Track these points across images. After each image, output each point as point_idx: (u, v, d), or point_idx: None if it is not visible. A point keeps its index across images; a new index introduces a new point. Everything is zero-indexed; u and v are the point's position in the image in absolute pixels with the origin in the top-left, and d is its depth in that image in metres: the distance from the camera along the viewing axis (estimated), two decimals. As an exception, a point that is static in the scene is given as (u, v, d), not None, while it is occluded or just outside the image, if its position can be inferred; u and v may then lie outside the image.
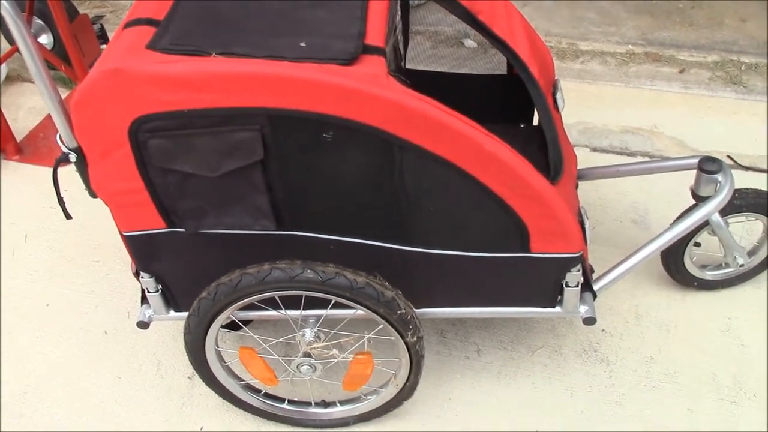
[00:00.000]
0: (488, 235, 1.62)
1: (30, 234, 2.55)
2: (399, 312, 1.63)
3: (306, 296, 1.64)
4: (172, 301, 1.79)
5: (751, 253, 2.09)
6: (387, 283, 1.63)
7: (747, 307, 2.13)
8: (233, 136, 1.44)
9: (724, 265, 2.11)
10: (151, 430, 1.96)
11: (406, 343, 1.68)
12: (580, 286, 1.71)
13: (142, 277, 1.73)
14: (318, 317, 1.73)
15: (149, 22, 1.48)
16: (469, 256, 1.65)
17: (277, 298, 1.64)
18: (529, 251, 1.63)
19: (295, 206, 1.57)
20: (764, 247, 2.08)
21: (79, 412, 2.01)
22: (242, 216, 1.57)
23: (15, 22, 1.38)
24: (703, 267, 2.12)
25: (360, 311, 1.65)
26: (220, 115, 1.41)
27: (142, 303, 1.82)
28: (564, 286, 1.71)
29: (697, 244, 2.04)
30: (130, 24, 1.49)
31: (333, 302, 1.64)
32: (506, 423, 1.91)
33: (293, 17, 1.51)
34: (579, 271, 1.68)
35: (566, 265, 1.66)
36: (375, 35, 1.47)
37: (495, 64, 2.12)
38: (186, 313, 1.76)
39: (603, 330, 2.10)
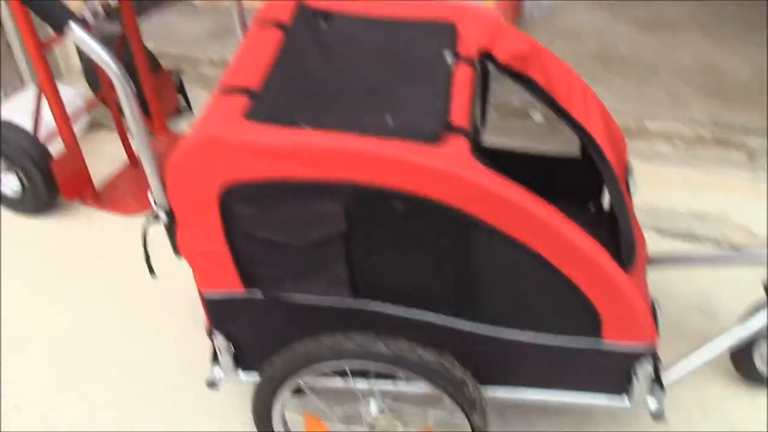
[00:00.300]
0: (560, 319, 1.62)
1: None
2: (467, 393, 1.63)
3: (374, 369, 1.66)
4: (242, 361, 1.82)
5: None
6: (457, 362, 1.64)
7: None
8: (318, 207, 1.48)
9: (796, 362, 2.07)
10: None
11: (472, 425, 1.68)
12: (649, 378, 1.69)
13: (214, 336, 1.76)
14: (385, 391, 1.74)
15: (245, 91, 1.54)
16: (539, 339, 1.65)
17: (347, 369, 1.66)
18: (600, 338, 1.62)
19: (372, 276, 1.59)
20: (839, 346, 2.03)
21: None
22: (321, 284, 1.60)
23: (125, 89, 1.46)
24: (776, 365, 2.08)
25: (426, 389, 1.65)
26: (306, 187, 1.45)
27: (212, 362, 1.85)
28: (633, 377, 1.69)
29: (768, 340, 2.00)
30: (226, 90, 1.55)
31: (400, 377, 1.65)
32: None
33: (381, 89, 1.56)
34: (650, 362, 1.66)
35: (637, 356, 1.65)
36: (459, 113, 1.51)
37: (564, 139, 2.13)
38: (253, 374, 1.79)
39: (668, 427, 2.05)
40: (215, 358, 1.82)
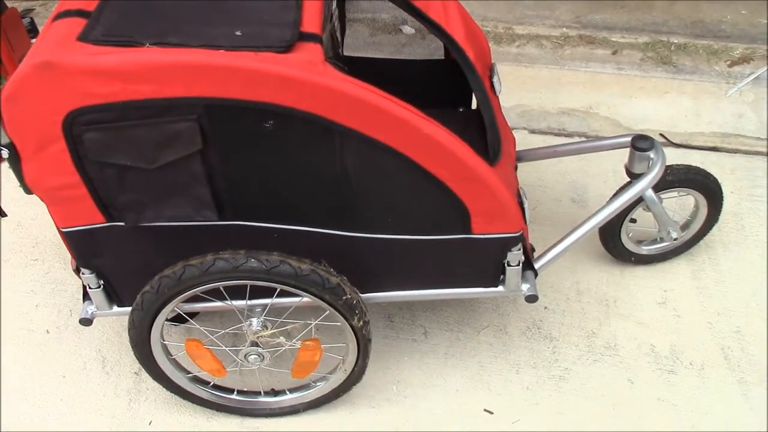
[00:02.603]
0: (430, 218, 1.64)
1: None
2: (344, 297, 1.64)
3: (251, 285, 1.64)
4: (114, 296, 1.77)
5: (684, 227, 2.16)
6: (332, 270, 1.65)
7: (681, 280, 2.21)
8: (170, 127, 1.42)
9: (658, 239, 2.18)
10: (99, 428, 1.94)
11: (353, 328, 1.70)
12: (521, 265, 1.75)
13: (82, 274, 1.70)
14: (264, 306, 1.73)
15: (79, 13, 1.46)
16: (411, 239, 1.68)
17: (222, 289, 1.64)
18: (470, 232, 1.66)
19: (237, 196, 1.56)
20: (695, 221, 2.15)
21: (24, 413, 1.97)
22: (183, 207, 1.56)
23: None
24: (639, 242, 2.19)
25: (306, 298, 1.66)
26: (156, 106, 1.39)
27: (84, 300, 1.80)
28: (506, 265, 1.74)
29: (633, 221, 2.09)
30: (59, 16, 1.46)
31: (278, 290, 1.65)
32: (455, 402, 1.95)
33: (227, 6, 1.50)
34: (520, 250, 1.71)
35: (507, 244, 1.69)
36: (311, 22, 1.47)
37: (433, 49, 2.14)
38: (130, 308, 1.75)
39: (546, 307, 2.15)
40: (86, 295, 1.76)
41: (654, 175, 1.90)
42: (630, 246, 2.16)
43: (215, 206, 1.55)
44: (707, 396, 1.93)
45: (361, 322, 1.69)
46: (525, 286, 1.80)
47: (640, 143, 1.92)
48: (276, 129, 1.45)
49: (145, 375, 1.95)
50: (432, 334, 2.10)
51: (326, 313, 1.70)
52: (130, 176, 1.50)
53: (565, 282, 2.21)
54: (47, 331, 2.17)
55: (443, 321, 2.13)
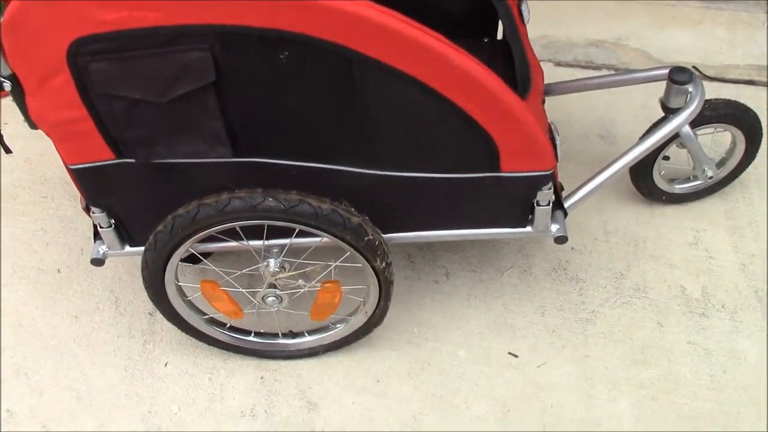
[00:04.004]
0: (456, 155, 1.55)
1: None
2: (366, 238, 1.57)
3: (269, 226, 1.57)
4: (126, 235, 1.70)
5: (719, 164, 2.06)
6: (353, 209, 1.57)
7: (714, 220, 2.12)
8: (181, 57, 1.33)
9: (692, 177, 2.08)
10: (116, 370, 1.90)
11: (375, 270, 1.63)
12: (551, 204, 1.67)
13: (93, 213, 1.63)
14: (282, 247, 1.66)
15: None
16: (435, 178, 1.59)
17: (239, 229, 1.57)
18: (498, 170, 1.57)
19: (253, 131, 1.48)
20: (732, 158, 2.05)
21: (36, 354, 1.94)
22: (196, 143, 1.48)
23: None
24: (672, 181, 2.09)
25: (326, 239, 1.59)
26: (165, 35, 1.29)
27: (95, 239, 1.73)
28: (535, 205, 1.66)
29: (666, 158, 2.00)
30: None
31: (297, 231, 1.57)
32: (478, 345, 1.89)
33: None
34: (550, 189, 1.63)
35: (537, 183, 1.61)
36: None
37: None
38: (142, 248, 1.69)
39: (572, 248, 2.07)
40: (97, 235, 1.70)
41: (692, 110, 1.80)
42: (662, 184, 2.07)
43: (230, 142, 1.47)
44: (740, 340, 1.86)
45: (383, 264, 1.62)
46: (554, 227, 1.72)
47: (678, 76, 1.80)
48: (293, 59, 1.35)
49: (159, 316, 1.90)
50: (454, 276, 2.04)
51: (347, 255, 1.63)
52: (139, 110, 1.41)
53: (593, 222, 2.13)
54: (58, 271, 2.11)
55: (465, 262, 2.06)
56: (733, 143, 2.03)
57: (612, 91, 2.46)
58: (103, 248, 1.72)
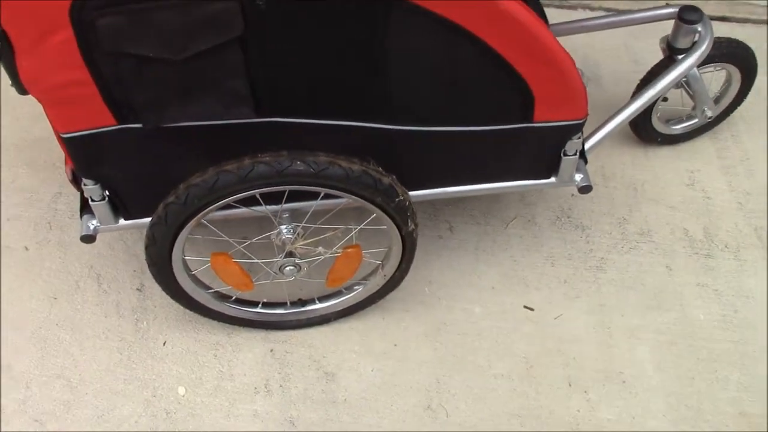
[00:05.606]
0: (488, 106, 1.46)
1: None
2: (397, 199, 1.47)
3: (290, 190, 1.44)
4: (122, 208, 1.54)
5: (715, 102, 2.05)
6: (380, 169, 1.46)
7: (707, 160, 2.12)
8: (206, 7, 1.17)
9: (685, 118, 2.07)
10: (110, 353, 1.74)
11: (401, 232, 1.53)
12: (577, 154, 1.60)
13: (84, 184, 1.46)
14: (298, 211, 1.54)
15: None
16: (464, 131, 1.49)
17: (258, 196, 1.43)
18: (531, 121, 1.49)
19: (277, 88, 1.34)
20: (725, 97, 2.05)
21: (15, 342, 1.75)
22: (212, 104, 1.33)
23: None
24: (668, 121, 2.07)
25: (347, 200, 1.47)
26: (186, -17, 1.14)
27: (81, 213, 1.56)
28: (562, 155, 1.59)
29: (665, 99, 1.96)
30: None
31: (322, 194, 1.45)
32: (492, 300, 1.84)
33: None
34: (580, 138, 1.56)
35: (569, 132, 1.54)
36: None
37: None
38: (137, 221, 1.54)
39: (572, 195, 2.03)
40: (85, 208, 1.52)
41: (704, 50, 1.76)
42: (659, 126, 2.04)
43: (253, 100, 1.32)
44: (747, 279, 1.88)
45: (412, 225, 1.52)
46: (578, 176, 1.66)
47: (689, 15, 1.76)
48: (323, 7, 1.22)
49: (148, 291, 1.78)
50: (458, 229, 1.96)
51: (372, 217, 1.52)
52: (150, 69, 1.25)
53: (590, 167, 2.05)
54: (26, 248, 1.91)
55: (468, 214, 1.99)
56: (728, 82, 2.02)
57: (591, 33, 2.40)
58: (93, 223, 1.55)
